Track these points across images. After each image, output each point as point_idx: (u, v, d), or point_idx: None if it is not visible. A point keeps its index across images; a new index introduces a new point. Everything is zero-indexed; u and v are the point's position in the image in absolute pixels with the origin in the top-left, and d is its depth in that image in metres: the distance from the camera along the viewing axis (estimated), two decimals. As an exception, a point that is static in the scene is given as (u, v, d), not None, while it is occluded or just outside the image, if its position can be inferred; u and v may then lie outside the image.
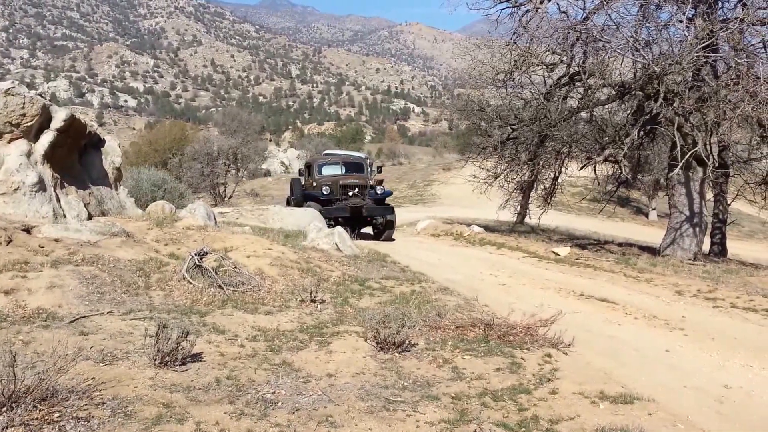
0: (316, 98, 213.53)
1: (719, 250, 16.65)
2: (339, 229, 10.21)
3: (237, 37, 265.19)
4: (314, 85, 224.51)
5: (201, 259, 6.94)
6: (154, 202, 14.50)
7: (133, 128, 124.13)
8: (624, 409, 4.54)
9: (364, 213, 15.14)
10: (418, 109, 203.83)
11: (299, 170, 17.25)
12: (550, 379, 5.07)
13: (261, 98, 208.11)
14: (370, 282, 8.14)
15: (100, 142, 9.70)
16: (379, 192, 15.95)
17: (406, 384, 4.83)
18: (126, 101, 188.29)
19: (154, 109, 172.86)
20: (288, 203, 18.01)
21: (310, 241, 9.63)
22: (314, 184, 16.06)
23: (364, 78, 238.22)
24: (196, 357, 4.98)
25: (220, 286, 6.75)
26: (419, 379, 4.94)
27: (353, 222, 15.06)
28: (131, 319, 5.69)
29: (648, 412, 4.50)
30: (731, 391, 5.28)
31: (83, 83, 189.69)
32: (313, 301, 6.82)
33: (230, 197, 29.12)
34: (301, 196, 16.74)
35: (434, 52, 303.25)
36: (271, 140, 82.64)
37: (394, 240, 15.07)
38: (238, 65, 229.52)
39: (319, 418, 4.13)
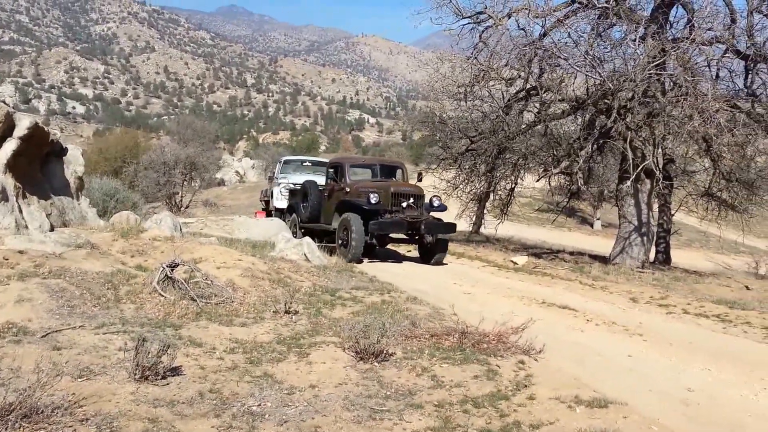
0: (271, 108, 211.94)
1: (664, 259, 17.30)
2: (307, 239, 10.22)
3: (192, 45, 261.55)
4: (270, 94, 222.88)
5: (172, 270, 6.86)
6: (105, 212, 14.26)
7: (81, 136, 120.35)
8: (600, 413, 4.68)
9: (423, 230, 12.21)
10: (372, 120, 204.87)
11: (327, 173, 13.97)
12: (526, 385, 5.21)
13: (215, 106, 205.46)
14: (340, 292, 8.18)
15: (62, 151, 9.49)
16: (435, 204, 13.06)
17: (388, 393, 4.91)
18: (74, 108, 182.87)
19: (104, 116, 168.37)
20: (290, 211, 14.96)
21: (279, 252, 9.62)
22: (347, 190, 12.85)
23: (320, 88, 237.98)
24: (176, 371, 4.94)
25: (192, 299, 6.69)
26: (401, 388, 5.02)
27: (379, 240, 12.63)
28: (104, 333, 5.59)
29: (623, 416, 4.65)
30: (695, 394, 5.46)
31: (30, 89, 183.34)
32: (287, 312, 6.82)
33: (187, 207, 28.72)
34: (317, 203, 13.68)
35: (389, 64, 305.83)
36: (225, 149, 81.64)
37: (445, 264, 12.84)
38: (192, 73, 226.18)
39: (308, 429, 4.16)
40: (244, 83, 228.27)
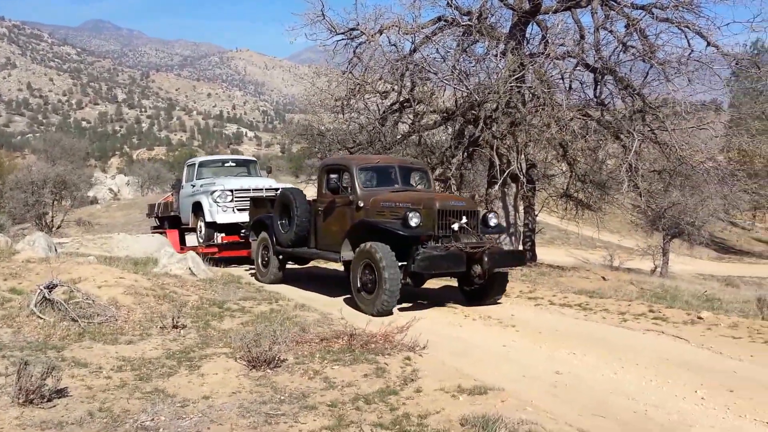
0: (144, 123, 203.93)
1: (530, 256, 18.60)
2: (191, 253, 10.07)
3: (56, 60, 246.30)
4: (143, 109, 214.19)
5: (50, 292, 6.62)
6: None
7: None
8: (480, 399, 5.08)
9: (487, 264, 8.69)
10: (251, 134, 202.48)
11: (322, 180, 10.04)
12: (413, 380, 5.54)
13: (84, 123, 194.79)
14: (228, 304, 8.21)
15: None
16: (492, 224, 9.42)
17: (282, 398, 5.05)
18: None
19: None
20: (257, 229, 11.25)
21: (162, 268, 9.44)
22: (360, 204, 9.24)
23: (195, 103, 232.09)
24: (62, 392, 4.84)
25: (73, 319, 6.49)
26: (294, 392, 5.18)
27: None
28: (-21, 361, 5.33)
29: (501, 400, 5.07)
30: (562, 377, 6.02)
31: None
32: (175, 326, 6.79)
33: (59, 227, 27.11)
34: (307, 221, 10.06)
35: (265, 78, 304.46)
36: (97, 167, 77.27)
37: (500, 303, 9.78)
38: (57, 89, 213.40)
39: (204, 438, 4.24)
40: (115, 98, 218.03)
